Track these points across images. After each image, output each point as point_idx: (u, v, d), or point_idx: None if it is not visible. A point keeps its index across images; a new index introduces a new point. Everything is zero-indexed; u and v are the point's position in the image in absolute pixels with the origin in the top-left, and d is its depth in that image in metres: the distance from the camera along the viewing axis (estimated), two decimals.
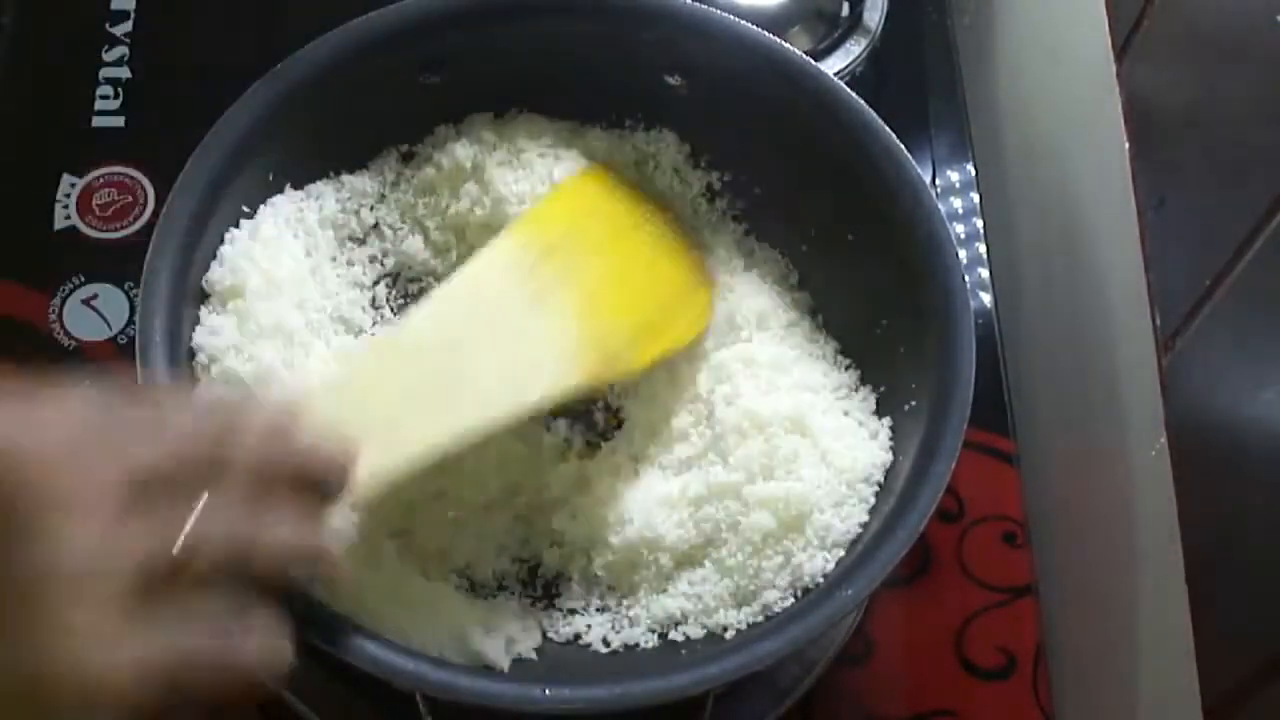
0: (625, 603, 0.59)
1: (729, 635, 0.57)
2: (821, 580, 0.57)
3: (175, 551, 0.39)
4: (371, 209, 0.66)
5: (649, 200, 0.66)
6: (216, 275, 0.59)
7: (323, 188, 0.65)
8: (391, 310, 0.66)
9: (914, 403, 0.60)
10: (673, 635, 0.58)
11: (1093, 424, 0.73)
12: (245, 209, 0.62)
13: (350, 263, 0.65)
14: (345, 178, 0.66)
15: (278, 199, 0.63)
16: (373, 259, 0.66)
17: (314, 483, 0.43)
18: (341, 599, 0.53)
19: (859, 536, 0.58)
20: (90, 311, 0.73)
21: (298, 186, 0.64)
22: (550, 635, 0.59)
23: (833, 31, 0.81)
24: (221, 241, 0.61)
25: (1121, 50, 0.69)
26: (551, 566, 0.61)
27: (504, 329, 0.55)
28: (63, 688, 0.37)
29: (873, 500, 0.59)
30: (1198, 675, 0.57)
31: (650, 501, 0.59)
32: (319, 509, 0.44)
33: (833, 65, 0.79)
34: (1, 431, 0.38)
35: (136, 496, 0.38)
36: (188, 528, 0.39)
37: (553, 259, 0.59)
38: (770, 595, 0.58)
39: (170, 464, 0.40)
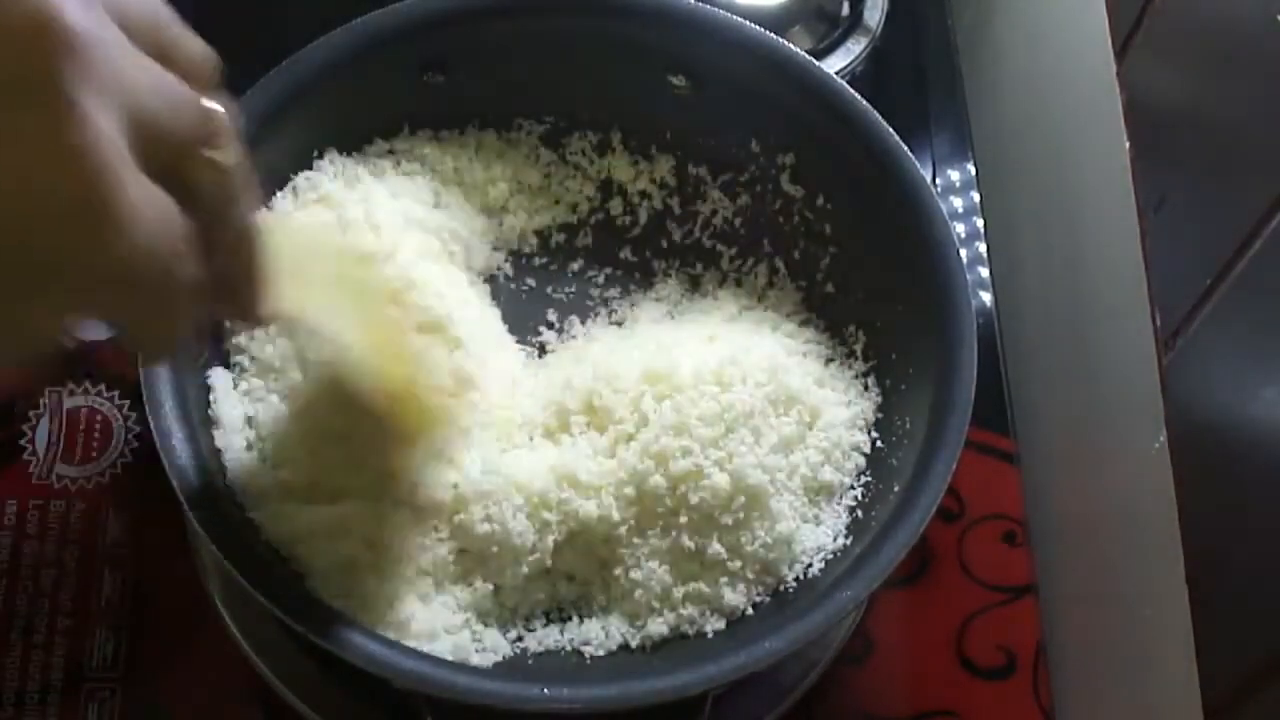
0: (624, 603, 0.59)
1: (728, 635, 0.57)
2: (819, 580, 0.57)
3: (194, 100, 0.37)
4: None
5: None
6: None
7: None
8: None
9: (914, 402, 0.60)
10: (671, 636, 0.58)
11: (1093, 424, 0.73)
12: None
13: None
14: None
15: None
16: None
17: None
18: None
19: (859, 536, 0.58)
20: None
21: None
22: (548, 635, 0.59)
23: (833, 31, 0.81)
24: None
25: (1121, 50, 0.69)
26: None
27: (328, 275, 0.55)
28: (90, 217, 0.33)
29: (867, 503, 0.59)
30: (1198, 675, 0.57)
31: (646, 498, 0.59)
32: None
33: (833, 64, 0.79)
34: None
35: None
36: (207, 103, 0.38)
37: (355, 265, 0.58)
38: (765, 596, 0.58)
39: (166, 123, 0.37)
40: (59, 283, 0.34)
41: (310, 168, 0.65)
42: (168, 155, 0.36)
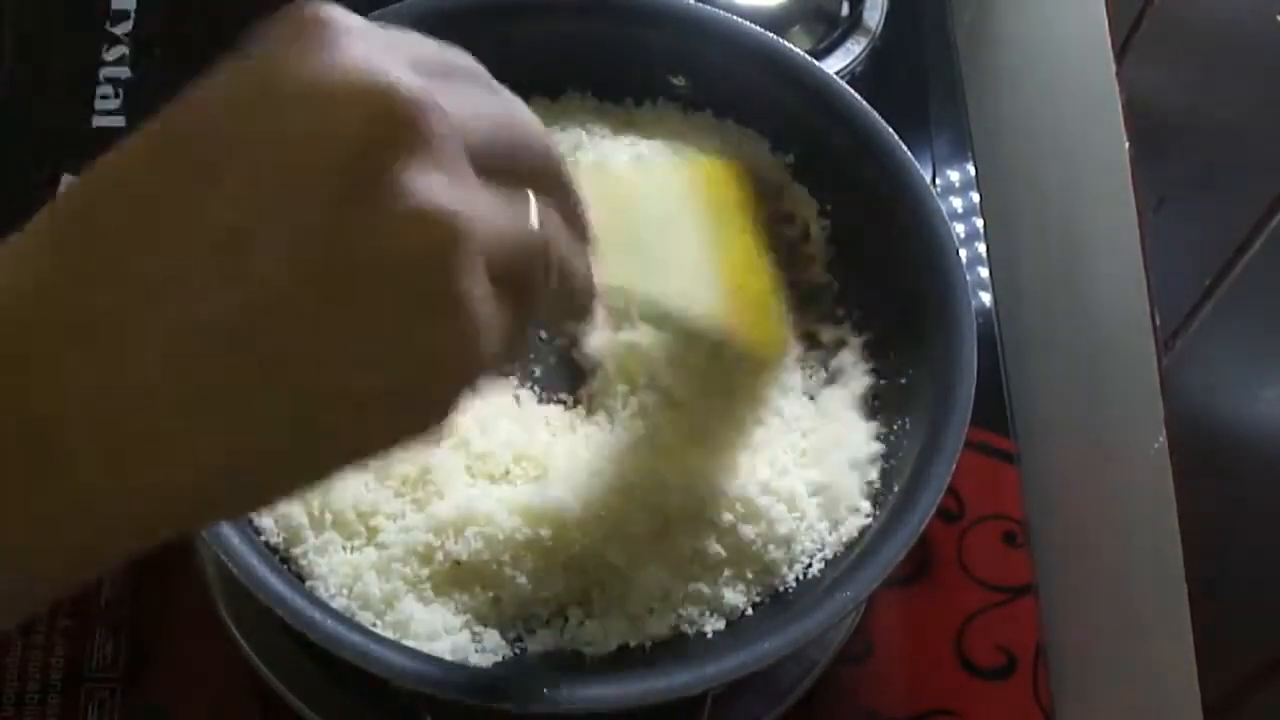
0: (624, 603, 0.59)
1: (728, 635, 0.57)
2: (819, 580, 0.57)
3: (530, 231, 0.37)
4: None
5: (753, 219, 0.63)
6: None
7: None
8: None
9: (914, 402, 0.60)
10: (671, 636, 0.58)
11: (1093, 424, 0.73)
12: None
13: None
14: None
15: None
16: None
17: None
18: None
19: (859, 536, 0.58)
20: None
21: None
22: (548, 635, 0.59)
23: (833, 31, 0.81)
24: None
25: (1121, 50, 0.69)
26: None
27: (677, 226, 0.55)
28: (451, 368, 0.34)
29: (868, 504, 0.59)
30: (1198, 675, 0.57)
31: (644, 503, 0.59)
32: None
33: (833, 65, 0.79)
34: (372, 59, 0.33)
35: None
36: (534, 218, 0.37)
37: (709, 209, 0.58)
38: (765, 596, 0.58)
39: (508, 159, 0.37)
40: (408, 410, 0.35)
41: None
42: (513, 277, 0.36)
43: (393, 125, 0.32)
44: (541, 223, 0.37)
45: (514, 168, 0.37)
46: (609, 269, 0.44)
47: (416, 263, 0.32)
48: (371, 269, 0.32)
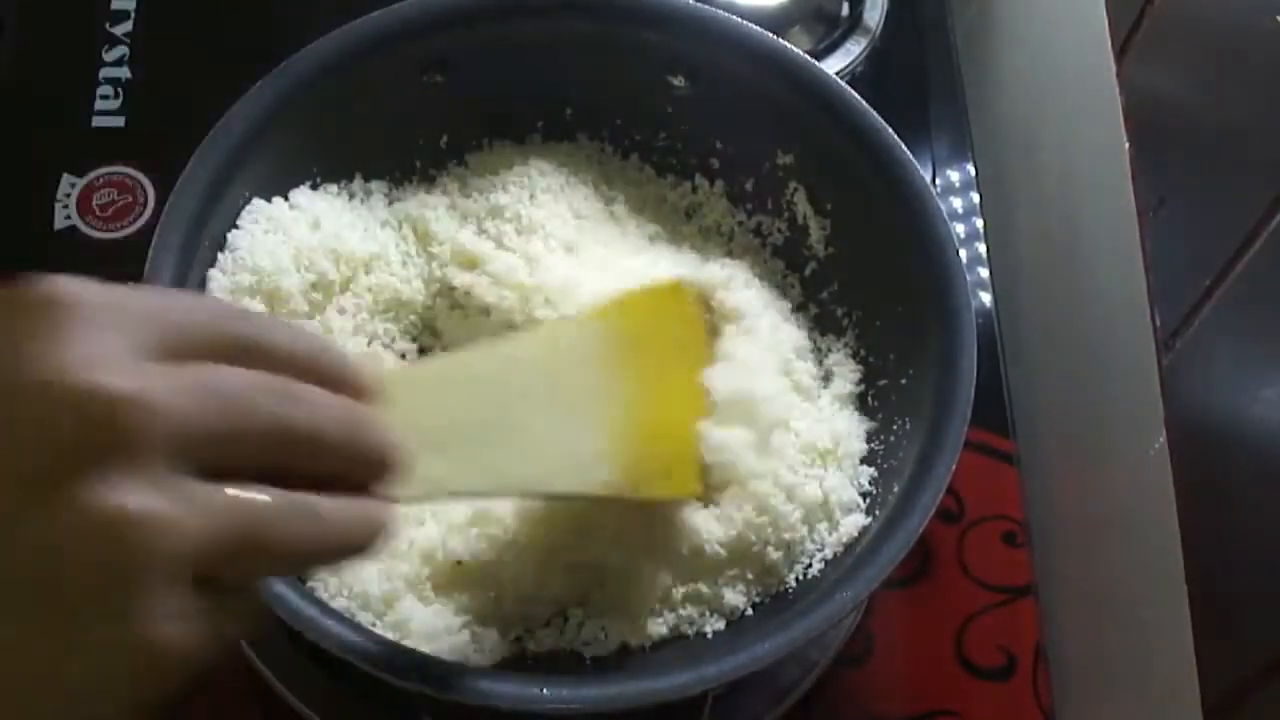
0: (624, 603, 0.59)
1: (728, 635, 0.57)
2: (819, 580, 0.57)
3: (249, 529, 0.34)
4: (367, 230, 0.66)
5: (703, 340, 0.62)
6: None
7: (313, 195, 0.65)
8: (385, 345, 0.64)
9: (914, 402, 0.60)
10: (671, 636, 0.58)
11: (1093, 424, 0.73)
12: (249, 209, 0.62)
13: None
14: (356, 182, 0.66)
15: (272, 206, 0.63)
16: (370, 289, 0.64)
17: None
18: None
19: (859, 536, 0.58)
20: None
21: (295, 188, 0.64)
22: (548, 635, 0.59)
23: (833, 31, 0.81)
24: (224, 243, 0.61)
25: (1121, 50, 0.69)
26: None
27: (560, 402, 0.54)
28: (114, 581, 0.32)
29: (867, 504, 0.59)
30: (1198, 675, 0.57)
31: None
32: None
33: (833, 65, 0.79)
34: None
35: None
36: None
37: (619, 357, 0.57)
38: (765, 596, 0.58)
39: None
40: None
41: (307, 176, 0.65)
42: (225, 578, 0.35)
43: (91, 431, 0.32)
44: (272, 509, 0.35)
45: (248, 441, 0.35)
46: (464, 465, 0.43)
47: (91, 570, 0.32)
48: (45, 570, 0.31)
